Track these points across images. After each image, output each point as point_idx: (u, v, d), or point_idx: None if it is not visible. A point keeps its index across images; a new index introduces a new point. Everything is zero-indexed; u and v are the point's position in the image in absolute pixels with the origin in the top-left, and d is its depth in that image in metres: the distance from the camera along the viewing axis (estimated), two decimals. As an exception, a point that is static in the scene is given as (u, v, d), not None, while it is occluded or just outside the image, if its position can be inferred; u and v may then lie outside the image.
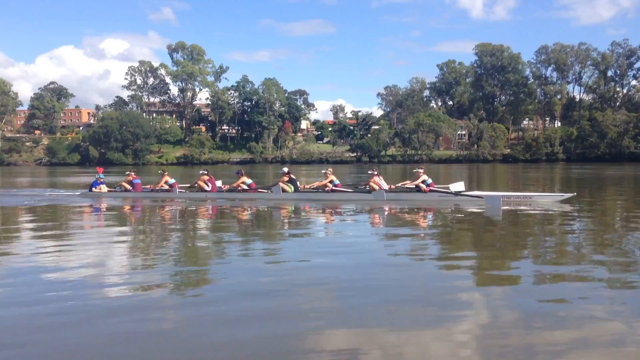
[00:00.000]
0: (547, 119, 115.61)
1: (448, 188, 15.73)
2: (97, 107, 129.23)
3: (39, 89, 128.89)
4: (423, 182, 15.64)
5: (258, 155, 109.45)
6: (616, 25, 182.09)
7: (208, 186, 17.33)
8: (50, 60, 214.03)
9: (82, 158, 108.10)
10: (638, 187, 24.42)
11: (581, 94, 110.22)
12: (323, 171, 17.54)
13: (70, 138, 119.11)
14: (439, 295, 5.39)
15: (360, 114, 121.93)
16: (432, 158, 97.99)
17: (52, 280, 6.22)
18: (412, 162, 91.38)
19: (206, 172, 17.99)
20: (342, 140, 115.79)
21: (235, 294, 5.49)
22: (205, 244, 9.00)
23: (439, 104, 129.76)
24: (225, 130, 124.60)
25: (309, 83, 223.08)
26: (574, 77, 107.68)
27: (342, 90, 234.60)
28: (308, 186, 17.14)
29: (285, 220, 12.44)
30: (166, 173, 18.40)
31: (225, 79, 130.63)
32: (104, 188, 18.62)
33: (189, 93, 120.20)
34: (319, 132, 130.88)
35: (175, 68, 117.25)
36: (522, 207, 13.36)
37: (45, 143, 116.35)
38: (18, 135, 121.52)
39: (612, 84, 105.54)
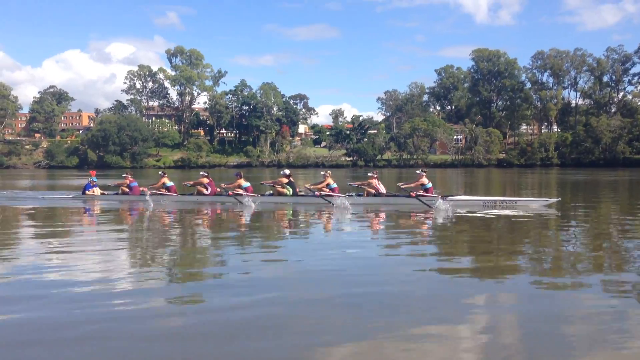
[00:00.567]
0: (545, 124, 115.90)
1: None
2: (97, 111, 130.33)
3: (39, 92, 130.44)
4: (422, 185, 15.74)
5: (255, 159, 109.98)
6: (621, 30, 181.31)
7: (207, 189, 17.48)
8: (57, 64, 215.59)
9: (80, 161, 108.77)
10: (625, 192, 24.79)
11: (577, 99, 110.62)
12: (322, 173, 17.73)
13: (69, 141, 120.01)
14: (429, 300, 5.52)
15: (361, 118, 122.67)
16: (427, 162, 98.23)
17: (38, 284, 6.20)
18: (408, 167, 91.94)
19: (206, 175, 18.05)
20: (339, 145, 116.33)
21: (231, 302, 5.48)
22: (199, 249, 9.07)
23: (438, 108, 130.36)
24: (224, 134, 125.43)
25: (313, 87, 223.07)
26: (569, 82, 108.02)
27: (346, 95, 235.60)
28: (309, 186, 17.32)
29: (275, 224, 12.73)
30: (165, 175, 18.50)
31: (224, 83, 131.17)
32: (97, 191, 18.92)
33: (187, 97, 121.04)
34: (317, 137, 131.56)
35: (174, 72, 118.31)
36: (507, 212, 13.64)
37: (45, 146, 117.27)
38: (18, 138, 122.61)
39: (608, 89, 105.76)
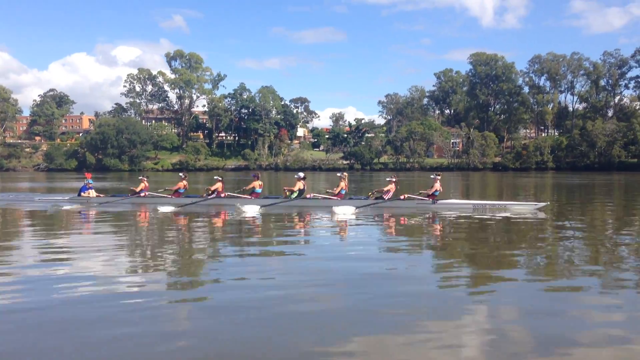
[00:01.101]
0: (542, 128, 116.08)
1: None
2: (96, 114, 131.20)
3: (39, 95, 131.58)
4: (435, 191, 16.01)
5: (252, 162, 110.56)
6: (627, 34, 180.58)
7: (223, 194, 17.76)
8: (63, 67, 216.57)
9: (79, 164, 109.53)
10: (613, 195, 25.18)
11: (574, 103, 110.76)
12: (339, 175, 17.74)
13: (68, 144, 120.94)
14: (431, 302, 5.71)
15: (364, 121, 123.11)
16: (423, 166, 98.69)
17: (30, 286, 6.37)
18: (404, 170, 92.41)
19: (221, 179, 18.22)
20: (337, 148, 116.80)
21: (238, 303, 5.64)
22: (201, 251, 9.25)
23: (437, 112, 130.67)
24: (222, 137, 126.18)
25: (319, 90, 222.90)
26: (566, 86, 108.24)
27: (352, 98, 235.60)
28: (331, 190, 17.48)
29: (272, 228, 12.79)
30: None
31: (223, 86, 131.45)
32: (92, 193, 19.14)
33: (186, 100, 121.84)
34: (316, 140, 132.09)
35: (173, 76, 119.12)
36: (498, 216, 13.94)
37: (44, 149, 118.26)
38: (18, 141, 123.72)
39: (605, 93, 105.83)
